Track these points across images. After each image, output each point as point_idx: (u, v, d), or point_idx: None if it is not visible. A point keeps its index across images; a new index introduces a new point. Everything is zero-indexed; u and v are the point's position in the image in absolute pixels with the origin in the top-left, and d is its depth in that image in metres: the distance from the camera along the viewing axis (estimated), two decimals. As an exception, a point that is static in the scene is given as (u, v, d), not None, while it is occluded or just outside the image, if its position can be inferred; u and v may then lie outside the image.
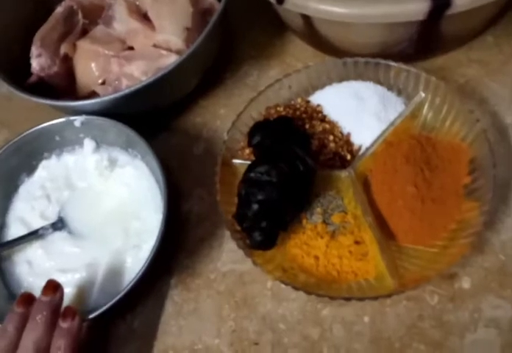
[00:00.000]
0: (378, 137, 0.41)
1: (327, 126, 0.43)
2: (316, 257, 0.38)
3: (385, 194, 0.39)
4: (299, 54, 0.53)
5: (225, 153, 0.43)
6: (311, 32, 0.46)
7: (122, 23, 0.46)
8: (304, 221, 0.40)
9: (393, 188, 0.38)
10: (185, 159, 0.49)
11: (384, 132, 0.41)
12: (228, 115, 0.51)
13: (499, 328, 0.36)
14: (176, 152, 0.49)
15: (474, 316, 0.37)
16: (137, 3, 0.47)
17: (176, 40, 0.44)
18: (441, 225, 0.37)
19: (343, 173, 0.40)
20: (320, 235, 0.39)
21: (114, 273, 0.41)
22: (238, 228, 0.38)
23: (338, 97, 0.45)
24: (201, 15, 0.47)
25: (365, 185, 0.40)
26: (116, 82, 0.45)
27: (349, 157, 0.42)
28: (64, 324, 0.36)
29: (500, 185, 0.40)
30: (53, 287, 0.37)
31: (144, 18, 0.46)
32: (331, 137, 0.42)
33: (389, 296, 0.35)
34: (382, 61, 0.43)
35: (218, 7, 0.44)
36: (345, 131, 0.43)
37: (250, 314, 0.41)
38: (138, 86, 0.42)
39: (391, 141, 0.41)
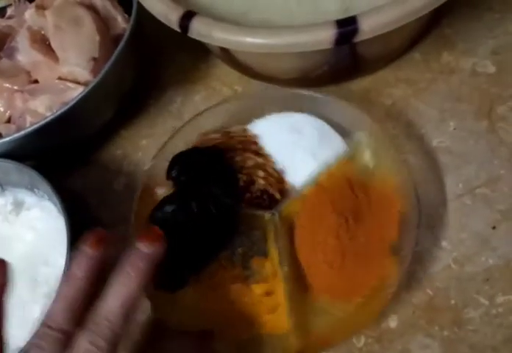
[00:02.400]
0: (308, 179, 0.38)
1: (260, 160, 0.40)
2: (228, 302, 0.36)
3: (306, 243, 0.36)
4: (224, 77, 0.50)
5: (147, 182, 0.40)
6: (230, 59, 0.44)
7: (25, 54, 0.43)
8: (223, 262, 0.37)
9: (316, 238, 0.36)
10: (105, 195, 0.46)
11: (316, 173, 0.38)
12: (150, 146, 0.48)
13: (427, 370, 0.35)
14: (95, 188, 0.47)
15: (401, 358, 0.35)
16: (43, 32, 0.44)
17: (82, 72, 0.41)
18: (361, 281, 0.34)
19: (267, 215, 0.37)
20: (232, 280, 0.36)
21: (22, 327, 0.38)
22: None
23: (276, 128, 0.41)
24: (113, 42, 0.45)
25: (291, 230, 0.37)
26: (20, 119, 0.42)
27: (278, 196, 0.38)
28: (146, 248, 0.30)
29: (426, 214, 0.38)
30: (157, 236, 0.31)
31: (48, 48, 0.43)
32: (261, 174, 0.39)
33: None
34: (304, 92, 0.41)
35: (125, 35, 0.41)
36: (278, 167, 0.40)
37: None
38: (39, 124, 0.39)
39: (322, 184, 0.38)
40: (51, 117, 0.39)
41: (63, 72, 0.42)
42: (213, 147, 0.40)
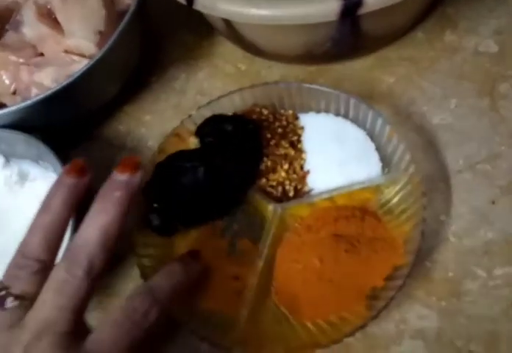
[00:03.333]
0: (329, 191, 0.37)
1: (292, 152, 0.39)
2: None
3: (291, 251, 0.36)
4: (228, 55, 0.50)
5: (188, 127, 0.40)
6: (234, 34, 0.44)
7: (31, 27, 0.43)
8: (215, 229, 0.38)
9: (302, 250, 0.35)
10: (108, 170, 0.47)
11: (338, 188, 0.37)
12: (153, 123, 0.48)
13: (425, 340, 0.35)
14: (98, 163, 0.46)
15: (400, 327, 0.36)
16: (49, 6, 0.44)
17: (88, 45, 0.42)
18: (324, 311, 0.34)
19: (270, 207, 0.37)
20: (213, 249, 0.37)
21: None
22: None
23: (322, 129, 0.40)
24: (118, 17, 0.45)
25: (285, 231, 0.37)
26: (26, 92, 0.42)
27: (292, 193, 0.38)
28: (122, 176, 0.29)
29: (427, 189, 0.38)
30: (133, 165, 0.30)
31: (55, 22, 0.43)
32: (286, 166, 0.38)
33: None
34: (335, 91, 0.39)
35: (130, 9, 0.41)
36: (306, 167, 0.39)
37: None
38: (44, 95, 0.39)
39: (338, 201, 0.37)
40: (56, 88, 0.39)
41: (69, 45, 0.42)
42: (253, 121, 0.39)
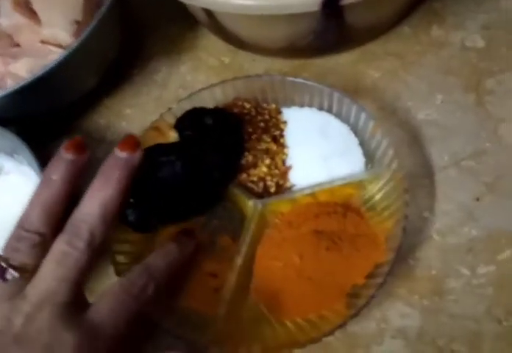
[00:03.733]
0: (311, 187, 0.36)
1: (274, 147, 0.38)
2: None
3: (271, 247, 0.35)
4: (211, 48, 0.49)
5: (168, 121, 0.39)
6: (216, 26, 0.43)
7: (7, 17, 0.42)
8: (194, 225, 0.37)
9: (282, 247, 0.34)
10: (88, 164, 0.45)
11: (321, 184, 0.36)
12: (134, 116, 0.47)
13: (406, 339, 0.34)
14: (77, 156, 0.46)
15: (381, 326, 0.35)
16: (25, -5, 0.43)
17: (64, 35, 0.40)
18: (303, 310, 0.33)
19: (250, 203, 0.36)
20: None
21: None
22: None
23: (306, 123, 0.39)
24: (96, 7, 0.43)
25: (266, 227, 0.36)
26: (1, 83, 0.41)
27: (273, 189, 0.37)
28: (122, 154, 0.30)
29: (411, 186, 0.38)
30: (133, 144, 0.31)
31: (31, 11, 0.42)
32: (268, 161, 0.37)
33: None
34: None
35: (109, -2, 0.40)
36: (288, 162, 0.37)
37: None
38: (18, 86, 0.38)
39: (319, 197, 0.36)
40: (31, 79, 0.38)
41: (46, 35, 0.41)
42: (234, 115, 0.38)
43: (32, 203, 0.30)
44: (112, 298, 0.28)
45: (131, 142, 0.31)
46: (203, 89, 0.40)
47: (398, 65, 0.44)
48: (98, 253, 0.29)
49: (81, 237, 0.28)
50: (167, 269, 0.32)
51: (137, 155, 0.31)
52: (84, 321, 0.27)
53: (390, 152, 0.35)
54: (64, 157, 0.31)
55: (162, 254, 0.33)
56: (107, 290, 0.29)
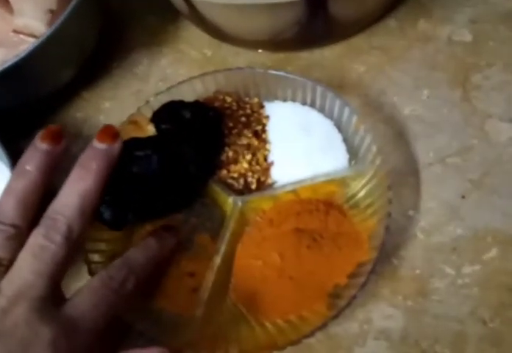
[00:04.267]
0: (292, 183, 0.35)
1: (256, 143, 0.36)
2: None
3: (251, 246, 0.34)
4: (193, 41, 0.48)
5: (145, 114, 0.37)
6: (198, 17, 0.42)
7: (-22, 5, 0.40)
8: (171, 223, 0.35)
9: (263, 245, 0.33)
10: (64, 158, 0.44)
11: (303, 181, 0.35)
12: (113, 109, 0.46)
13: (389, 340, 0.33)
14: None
15: (363, 328, 0.34)
16: (-2, -17, 0.41)
17: (38, 24, 0.39)
18: (280, 310, 0.32)
19: (230, 199, 0.34)
20: None
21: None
22: None
23: (289, 119, 0.38)
24: (73, -4, 0.42)
25: (245, 225, 0.35)
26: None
27: (254, 186, 0.35)
28: (100, 145, 0.29)
29: (395, 183, 0.37)
30: (111, 134, 0.30)
31: (4, 0, 0.40)
32: (248, 157, 0.36)
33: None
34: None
35: (84, -14, 0.38)
36: (270, 158, 0.36)
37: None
38: (-13, 78, 0.36)
39: (301, 194, 0.35)
40: (0, 69, 0.36)
41: (18, 24, 0.39)
42: (214, 109, 0.37)
43: (6, 194, 0.29)
44: (91, 292, 0.27)
45: (110, 132, 0.30)
46: (182, 82, 0.39)
47: (384, 60, 0.43)
48: (76, 247, 0.28)
49: (58, 231, 0.27)
50: (146, 264, 0.31)
51: (117, 146, 0.30)
52: (61, 315, 0.26)
53: (374, 148, 0.34)
54: (39, 147, 0.29)
55: (142, 248, 0.32)
56: (86, 284, 0.28)
